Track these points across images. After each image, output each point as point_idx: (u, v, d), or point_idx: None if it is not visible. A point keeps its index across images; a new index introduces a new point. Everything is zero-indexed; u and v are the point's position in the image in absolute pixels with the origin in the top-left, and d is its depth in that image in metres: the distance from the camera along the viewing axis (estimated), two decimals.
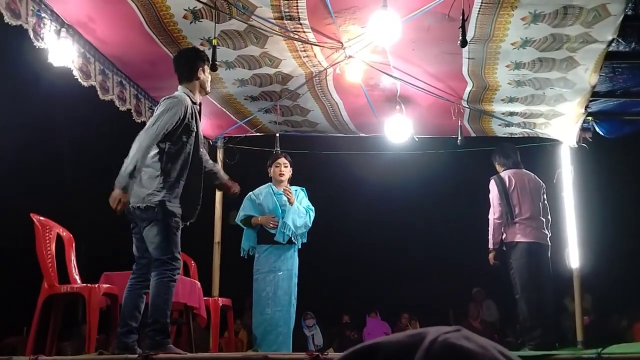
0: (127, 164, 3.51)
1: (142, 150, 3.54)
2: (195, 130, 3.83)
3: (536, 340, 5.19)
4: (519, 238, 5.44)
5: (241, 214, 5.47)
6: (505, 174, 5.63)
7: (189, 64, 3.95)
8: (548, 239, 5.60)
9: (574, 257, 5.87)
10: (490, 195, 5.60)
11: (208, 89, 4.08)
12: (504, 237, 5.54)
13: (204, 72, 3.96)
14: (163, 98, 3.83)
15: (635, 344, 5.32)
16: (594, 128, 5.89)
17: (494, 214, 5.54)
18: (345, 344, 9.59)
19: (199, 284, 5.22)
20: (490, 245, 5.58)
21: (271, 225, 5.33)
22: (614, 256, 10.47)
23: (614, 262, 10.37)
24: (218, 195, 6.36)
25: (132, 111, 5.02)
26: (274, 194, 5.46)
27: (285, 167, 5.50)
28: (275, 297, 5.35)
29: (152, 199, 3.63)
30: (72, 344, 7.22)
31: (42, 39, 3.77)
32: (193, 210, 3.85)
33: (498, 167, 5.76)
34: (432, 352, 0.54)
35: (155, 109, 3.86)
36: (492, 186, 5.61)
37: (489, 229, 5.58)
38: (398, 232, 12.46)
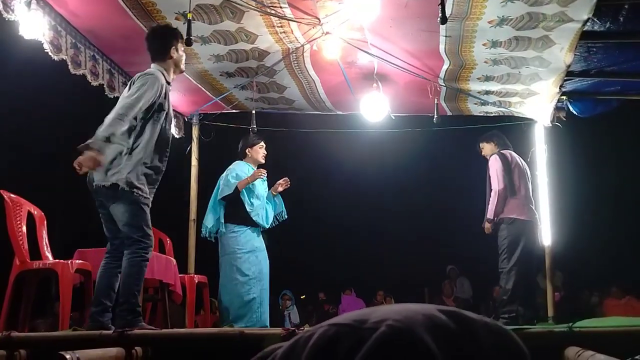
0: (104, 130, 3.42)
1: (121, 120, 3.46)
2: (166, 110, 3.78)
3: (511, 315, 5.36)
4: (516, 215, 5.67)
5: (226, 190, 5.45)
6: (506, 152, 5.87)
7: (162, 42, 3.87)
8: (537, 218, 5.86)
9: (546, 234, 5.97)
10: (493, 170, 5.76)
11: (182, 67, 4.00)
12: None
13: (177, 50, 3.88)
14: (138, 74, 3.76)
15: (604, 318, 5.45)
16: (568, 107, 5.96)
17: (498, 185, 5.68)
18: (323, 319, 9.66)
19: (174, 261, 5.20)
20: (491, 216, 5.72)
21: (262, 176, 5.51)
22: (585, 234, 10.68)
23: (584, 239, 10.57)
24: (194, 173, 6.32)
25: (105, 86, 4.92)
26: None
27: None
28: (261, 275, 5.45)
29: (119, 177, 3.57)
30: (45, 322, 7.15)
31: (13, 11, 3.67)
32: (153, 189, 3.79)
33: (492, 147, 5.96)
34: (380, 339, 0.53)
35: (129, 84, 3.78)
36: (496, 161, 5.76)
37: (492, 200, 5.71)
38: (374, 210, 12.54)
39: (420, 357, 0.52)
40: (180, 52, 3.92)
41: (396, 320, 0.54)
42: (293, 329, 2.64)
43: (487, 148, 6.00)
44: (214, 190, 5.62)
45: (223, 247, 5.47)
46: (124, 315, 3.53)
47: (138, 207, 3.62)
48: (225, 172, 5.58)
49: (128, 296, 3.57)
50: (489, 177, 5.82)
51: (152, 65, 3.86)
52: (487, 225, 5.77)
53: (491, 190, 5.77)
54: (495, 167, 5.77)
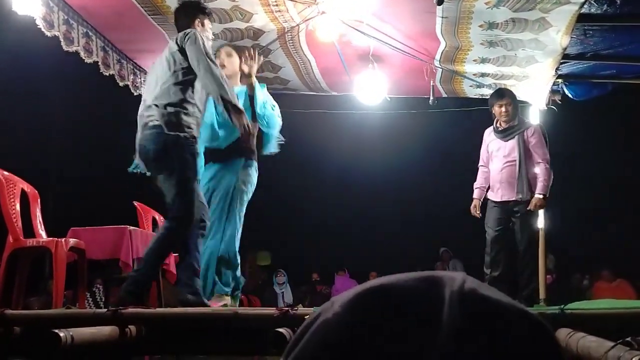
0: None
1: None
2: None
3: (527, 299, 5.07)
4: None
5: None
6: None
7: (187, 14, 3.82)
8: None
9: (540, 217, 5.99)
10: (538, 142, 5.22)
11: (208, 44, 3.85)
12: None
13: (202, 24, 3.81)
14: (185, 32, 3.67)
15: (595, 301, 5.49)
16: (564, 90, 5.96)
17: (548, 158, 5.19)
18: (317, 300, 9.73)
19: None
20: (547, 192, 5.17)
21: None
22: (577, 217, 10.74)
23: (576, 223, 10.63)
24: None
25: (100, 64, 4.87)
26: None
27: None
28: None
29: None
30: (39, 300, 7.17)
31: None
32: None
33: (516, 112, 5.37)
34: (464, 308, 0.46)
35: (187, 41, 3.61)
36: (540, 134, 5.28)
37: (547, 172, 5.15)
38: (368, 191, 12.54)
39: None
40: (206, 27, 3.84)
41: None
42: (287, 309, 2.65)
43: (512, 110, 5.27)
44: None
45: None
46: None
47: None
48: None
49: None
50: (534, 144, 5.20)
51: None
52: (541, 203, 5.17)
53: (534, 161, 5.18)
54: (540, 140, 5.23)
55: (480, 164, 5.53)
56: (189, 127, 3.55)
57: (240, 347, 2.79)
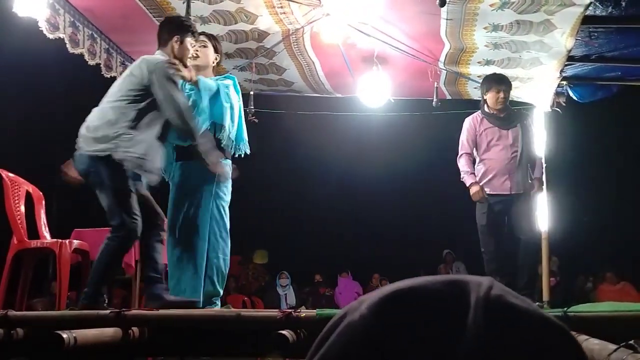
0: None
1: None
2: None
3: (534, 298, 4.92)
4: None
5: None
6: None
7: (169, 30, 3.74)
8: None
9: (543, 219, 5.97)
10: (534, 131, 5.27)
11: (185, 61, 3.76)
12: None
13: (180, 42, 3.71)
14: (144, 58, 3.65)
15: (598, 303, 5.47)
16: (568, 93, 5.94)
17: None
18: (319, 301, 9.72)
19: None
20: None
21: None
22: (581, 220, 10.71)
23: (580, 225, 10.60)
24: None
25: (102, 65, 4.89)
26: None
27: None
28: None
29: None
30: (42, 301, 7.19)
31: None
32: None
33: None
34: (489, 313, 0.47)
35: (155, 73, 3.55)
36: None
37: (540, 160, 5.24)
38: (372, 193, 12.54)
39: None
40: (185, 45, 3.73)
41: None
42: (290, 310, 2.65)
43: (508, 98, 5.13)
44: None
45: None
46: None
47: None
48: None
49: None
50: (533, 133, 5.20)
51: (158, 51, 3.75)
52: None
53: (532, 151, 5.14)
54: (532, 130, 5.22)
55: (464, 151, 5.17)
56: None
57: (243, 348, 2.79)
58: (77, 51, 4.50)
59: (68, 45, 4.36)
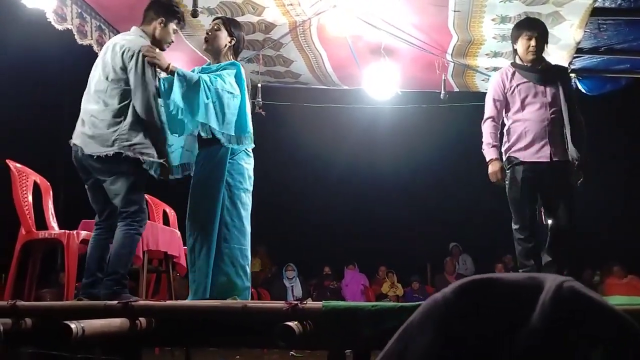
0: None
1: None
2: None
3: None
4: None
5: None
6: None
7: (156, 11, 3.69)
8: None
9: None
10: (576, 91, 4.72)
11: (163, 46, 3.71)
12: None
13: (164, 25, 3.67)
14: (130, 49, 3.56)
15: (606, 297, 5.46)
16: (577, 85, 5.91)
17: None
18: (324, 294, 9.74)
19: (179, 233, 5.22)
20: None
21: None
22: (588, 213, 10.66)
23: (588, 218, 10.55)
24: None
25: None
26: None
27: None
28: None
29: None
30: (50, 291, 7.23)
31: None
32: None
33: None
34: (559, 298, 0.52)
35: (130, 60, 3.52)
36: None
37: (584, 133, 4.10)
38: (379, 185, 12.53)
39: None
40: (168, 29, 3.69)
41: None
42: (296, 302, 2.65)
43: (542, 47, 4.11)
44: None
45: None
46: (110, 285, 3.50)
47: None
48: None
49: (118, 266, 3.55)
50: (575, 93, 4.51)
51: (136, 28, 3.69)
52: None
53: (572, 114, 4.07)
54: None
55: (489, 114, 4.16)
56: None
57: (249, 340, 2.80)
58: (86, 42, 4.51)
59: (76, 37, 4.37)
